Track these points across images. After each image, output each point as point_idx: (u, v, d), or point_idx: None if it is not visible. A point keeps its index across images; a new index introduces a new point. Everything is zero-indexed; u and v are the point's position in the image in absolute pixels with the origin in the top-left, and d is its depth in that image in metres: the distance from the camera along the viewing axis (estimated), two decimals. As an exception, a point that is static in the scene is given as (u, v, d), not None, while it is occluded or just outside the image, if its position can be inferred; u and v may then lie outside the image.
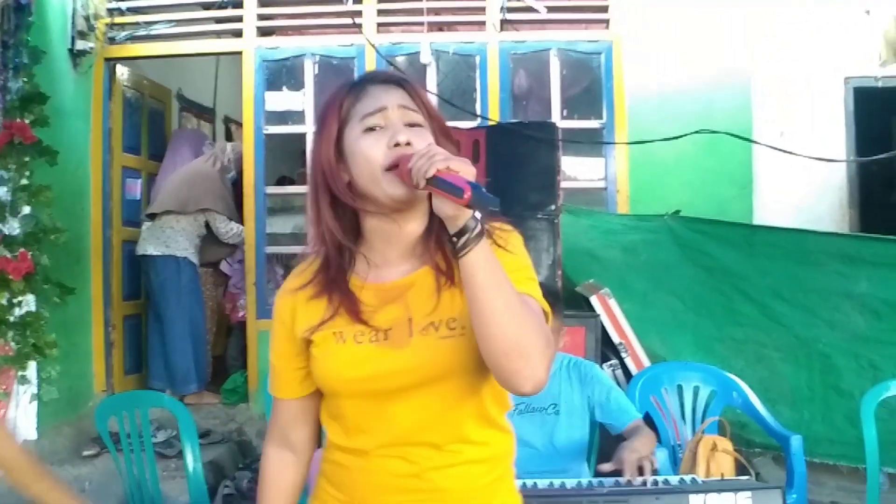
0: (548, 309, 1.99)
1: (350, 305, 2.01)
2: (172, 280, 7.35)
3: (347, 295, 2.02)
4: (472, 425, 2.02)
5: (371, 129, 1.97)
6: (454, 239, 1.84)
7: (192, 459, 4.51)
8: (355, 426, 2.04)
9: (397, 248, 2.03)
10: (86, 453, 6.30)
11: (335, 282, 2.04)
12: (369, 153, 1.94)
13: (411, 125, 1.97)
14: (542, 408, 4.06)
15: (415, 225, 2.02)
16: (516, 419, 3.99)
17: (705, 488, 3.01)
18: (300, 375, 2.13)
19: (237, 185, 7.70)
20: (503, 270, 1.85)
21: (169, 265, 7.34)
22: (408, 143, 1.92)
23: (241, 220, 7.53)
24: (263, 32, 7.51)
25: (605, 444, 4.08)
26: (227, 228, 7.52)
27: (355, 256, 2.07)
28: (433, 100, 7.16)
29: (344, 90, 2.06)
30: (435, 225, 1.99)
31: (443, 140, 2.02)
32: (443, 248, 2.00)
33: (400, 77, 2.07)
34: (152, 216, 7.41)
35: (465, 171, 1.81)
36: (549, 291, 4.00)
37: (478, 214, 1.83)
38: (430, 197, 1.89)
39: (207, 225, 7.53)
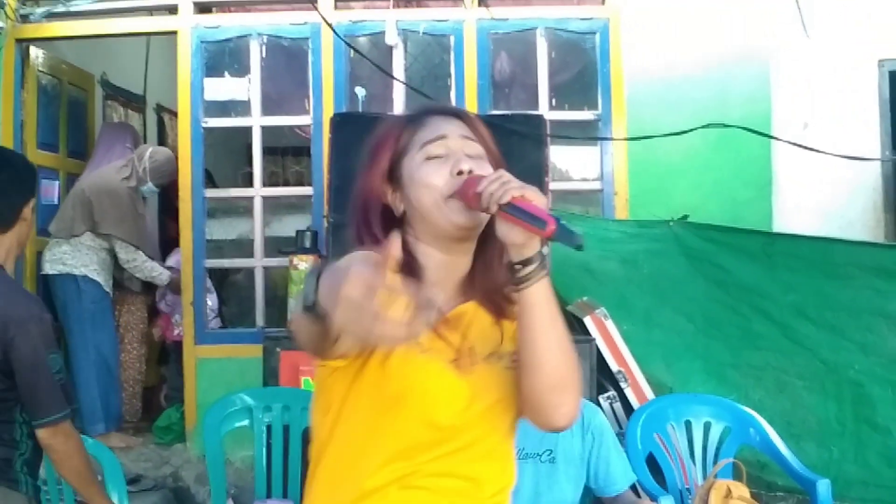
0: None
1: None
2: (73, 303, 7.29)
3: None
4: (505, 461, 2.27)
5: (432, 157, 2.20)
6: (517, 267, 2.05)
7: (118, 510, 4.49)
8: (397, 451, 2.15)
9: (448, 275, 2.25)
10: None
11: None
12: (431, 180, 2.17)
13: (472, 156, 2.20)
14: (536, 454, 4.05)
15: (467, 259, 2.27)
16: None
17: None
18: None
19: (167, 195, 7.66)
20: (557, 304, 2.10)
21: (67, 285, 7.29)
22: (470, 172, 2.14)
23: (168, 234, 7.49)
24: (202, 9, 7.45)
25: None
26: (129, 257, 7.43)
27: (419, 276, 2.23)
28: (397, 92, 7.23)
29: (402, 121, 2.31)
30: (482, 260, 2.26)
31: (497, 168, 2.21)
32: (492, 282, 2.25)
33: (460, 110, 2.38)
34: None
35: (540, 200, 2.02)
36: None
37: (545, 249, 2.04)
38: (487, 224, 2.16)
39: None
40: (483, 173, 2.12)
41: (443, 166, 2.16)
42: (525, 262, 2.03)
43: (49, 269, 7.30)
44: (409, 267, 2.16)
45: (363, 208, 2.26)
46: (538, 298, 2.05)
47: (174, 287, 7.63)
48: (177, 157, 7.47)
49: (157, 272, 7.56)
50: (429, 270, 2.21)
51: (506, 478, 2.29)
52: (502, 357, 2.21)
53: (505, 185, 2.00)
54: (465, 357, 2.17)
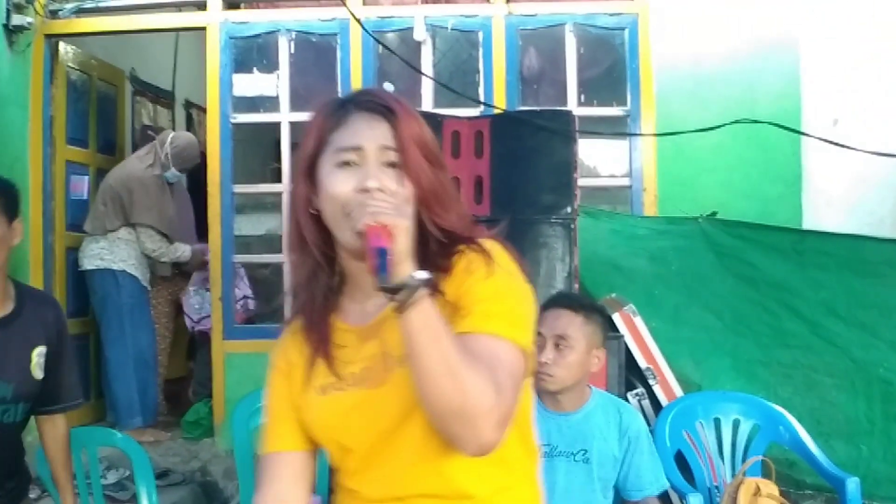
0: (524, 344, 2.02)
1: (325, 352, 2.15)
2: (112, 297, 7.37)
3: (324, 341, 2.16)
4: (472, 470, 2.06)
5: (345, 163, 2.07)
6: (386, 294, 1.89)
7: (147, 504, 4.50)
8: (357, 482, 2.15)
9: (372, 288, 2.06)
10: (24, 497, 6.29)
11: (315, 325, 2.17)
12: (336, 189, 2.05)
13: (391, 164, 2.07)
14: (570, 453, 4.01)
15: None
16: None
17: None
18: (300, 428, 2.22)
19: (196, 183, 7.68)
20: (446, 330, 1.89)
21: (106, 280, 7.37)
22: (379, 190, 2.00)
23: (198, 228, 7.51)
24: (230, 5, 7.48)
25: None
26: (154, 246, 7.49)
27: (340, 292, 2.21)
28: (428, 95, 7.22)
29: (325, 110, 2.16)
30: (423, 253, 2.05)
31: (431, 176, 2.10)
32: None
33: (388, 104, 2.11)
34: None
35: (398, 226, 1.88)
36: (594, 308, 4.01)
37: (419, 273, 1.89)
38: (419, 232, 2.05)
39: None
40: (391, 188, 2.02)
41: (351, 177, 2.04)
42: (393, 290, 1.87)
43: (87, 264, 7.37)
44: (329, 276, 2.18)
45: (292, 211, 2.18)
46: (414, 326, 1.87)
47: (196, 262, 7.74)
48: (205, 153, 7.49)
49: (180, 251, 7.65)
50: (352, 277, 2.18)
51: (506, 476, 2.14)
52: None
53: (362, 209, 1.93)
54: (377, 367, 2.07)
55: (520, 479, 2.18)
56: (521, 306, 2.08)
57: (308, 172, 2.13)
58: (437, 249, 2.10)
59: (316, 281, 2.17)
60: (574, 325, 3.90)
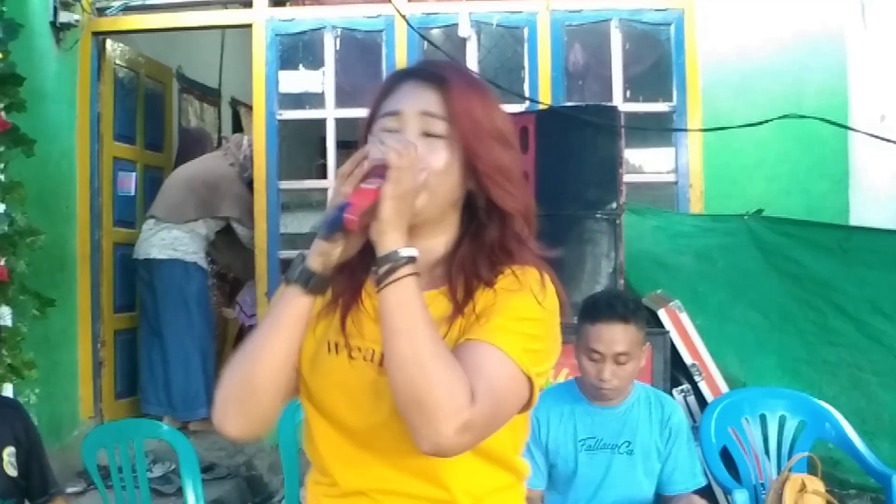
0: (530, 372, 1.93)
1: (346, 307, 2.06)
2: (179, 288, 7.42)
3: (348, 296, 2.07)
4: (461, 471, 2.00)
5: (385, 130, 2.01)
6: (374, 267, 1.88)
7: (193, 497, 4.52)
8: (334, 462, 2.06)
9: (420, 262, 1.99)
10: (70, 490, 6.31)
11: (350, 275, 2.06)
12: (372, 154, 1.94)
13: (428, 135, 1.99)
14: (614, 445, 4.00)
15: (432, 244, 2.05)
16: (582, 455, 4.00)
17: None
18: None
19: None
20: (427, 315, 1.85)
21: (176, 271, 7.42)
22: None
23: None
24: (276, 2, 7.51)
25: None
26: (251, 234, 7.56)
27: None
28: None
29: (382, 83, 2.11)
30: (473, 251, 2.03)
31: (490, 151, 2.01)
32: (466, 273, 2.02)
33: (445, 73, 2.05)
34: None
35: (396, 183, 1.85)
36: (625, 303, 3.99)
37: (407, 251, 1.85)
38: (462, 213, 2.05)
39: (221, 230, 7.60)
40: (430, 157, 1.95)
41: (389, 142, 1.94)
42: (380, 261, 1.85)
43: (157, 253, 7.41)
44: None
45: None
46: (390, 304, 1.83)
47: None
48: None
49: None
50: None
51: (495, 479, 2.08)
52: None
53: (343, 180, 1.91)
54: None
55: (507, 485, 2.11)
56: (542, 340, 1.98)
57: (364, 141, 2.05)
58: (488, 256, 2.02)
59: (363, 258, 2.04)
60: (631, 339, 3.86)
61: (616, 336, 3.86)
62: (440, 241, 2.06)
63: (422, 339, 1.82)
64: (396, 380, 1.81)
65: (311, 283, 1.92)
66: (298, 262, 1.94)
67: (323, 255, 1.91)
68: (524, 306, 1.96)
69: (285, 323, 1.94)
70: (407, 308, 1.83)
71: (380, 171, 1.86)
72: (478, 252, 2.02)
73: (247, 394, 1.98)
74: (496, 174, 2.00)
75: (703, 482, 4.08)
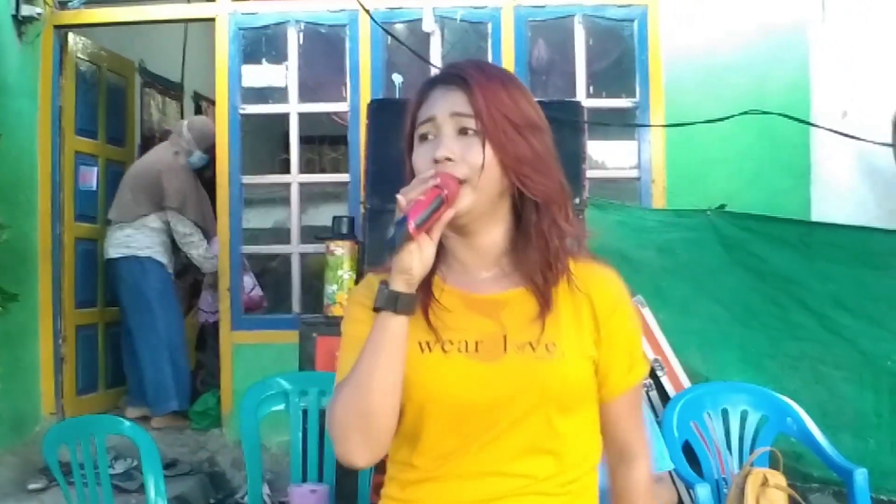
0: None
1: (426, 307, 2.15)
2: (137, 285, 7.45)
3: (427, 295, 2.16)
4: (552, 460, 2.14)
5: (424, 137, 2.15)
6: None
7: (155, 494, 4.48)
8: (434, 450, 2.13)
9: (476, 256, 2.21)
10: (31, 486, 6.29)
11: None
12: (418, 164, 2.13)
13: (463, 131, 2.11)
14: None
15: (489, 237, 2.19)
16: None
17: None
18: None
19: (208, 170, 7.69)
20: (402, 355, 2.05)
21: (133, 267, 7.44)
22: (447, 159, 2.07)
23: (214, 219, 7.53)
24: (239, -5, 7.47)
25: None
26: (185, 230, 7.53)
27: (441, 252, 2.17)
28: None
29: (417, 90, 2.22)
30: (526, 240, 2.17)
31: (518, 140, 2.12)
32: (543, 271, 2.15)
33: (465, 73, 2.16)
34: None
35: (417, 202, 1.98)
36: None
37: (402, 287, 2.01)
38: (513, 207, 2.18)
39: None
40: (468, 154, 2.07)
41: (429, 150, 2.11)
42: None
43: (113, 252, 7.47)
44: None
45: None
46: (389, 332, 2.02)
47: (206, 267, 7.71)
48: (214, 145, 7.50)
49: (208, 256, 7.62)
50: (455, 246, 2.21)
51: (571, 472, 2.16)
52: (536, 347, 2.09)
53: (404, 196, 2.00)
54: (493, 343, 2.11)
55: (583, 473, 2.21)
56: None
57: (409, 153, 2.19)
58: (542, 248, 2.15)
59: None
60: None
61: None
62: (498, 232, 2.19)
63: (395, 372, 2.04)
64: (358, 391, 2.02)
65: (400, 303, 2.01)
66: (383, 289, 2.02)
67: (404, 273, 2.00)
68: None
69: (386, 347, 2.02)
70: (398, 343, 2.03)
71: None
72: (529, 243, 2.16)
73: (367, 423, 2.04)
74: (519, 165, 2.11)
75: (670, 465, 4.08)
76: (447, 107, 2.12)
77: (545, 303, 2.13)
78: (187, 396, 7.57)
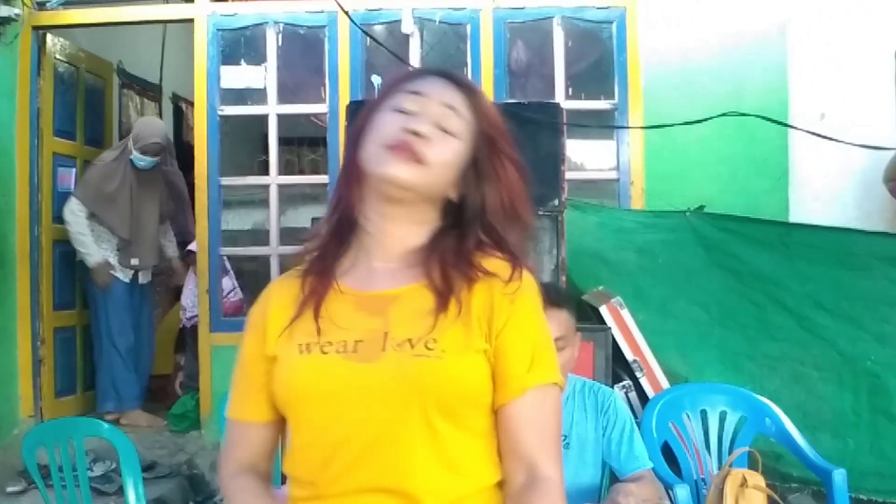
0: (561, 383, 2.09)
1: (317, 307, 2.06)
2: (87, 289, 7.61)
3: (319, 296, 2.08)
4: (432, 472, 1.96)
5: (401, 109, 2.03)
6: None
7: (134, 497, 4.47)
8: (313, 460, 2.01)
9: (383, 251, 2.09)
10: (10, 489, 6.28)
11: (318, 276, 2.11)
12: (383, 126, 2.01)
13: (444, 130, 2.02)
14: None
15: (408, 231, 2.09)
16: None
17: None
18: (268, 395, 2.12)
19: (188, 170, 7.66)
20: None
21: (84, 274, 7.54)
22: (421, 137, 1.99)
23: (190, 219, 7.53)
24: (218, -4, 7.46)
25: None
26: (69, 218, 7.39)
27: (349, 250, 2.13)
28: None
29: (414, 70, 2.23)
30: (443, 240, 2.09)
31: (495, 160, 2.09)
32: (445, 265, 2.04)
33: (470, 83, 2.12)
34: None
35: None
36: (557, 291, 3.95)
37: None
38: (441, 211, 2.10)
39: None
40: (440, 147, 2.00)
41: (402, 120, 2.00)
42: None
43: (77, 258, 7.53)
44: (340, 233, 2.13)
45: (344, 170, 2.15)
46: None
47: (100, 276, 7.46)
48: (193, 146, 7.47)
49: (85, 249, 7.42)
50: (367, 236, 2.10)
51: (462, 486, 1.98)
52: (415, 345, 1.96)
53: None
54: (373, 342, 1.98)
55: (477, 491, 2.02)
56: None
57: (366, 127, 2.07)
58: (467, 254, 2.07)
59: (335, 238, 2.13)
60: (565, 324, 3.83)
61: (552, 323, 3.86)
62: (417, 231, 2.10)
63: None
64: None
65: None
66: None
67: None
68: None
69: None
70: None
71: None
72: (443, 241, 2.07)
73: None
74: (500, 182, 2.08)
75: (650, 464, 4.07)
76: (442, 95, 2.05)
77: (441, 300, 2.00)
78: (133, 399, 7.58)
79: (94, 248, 7.39)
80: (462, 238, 2.07)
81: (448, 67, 2.24)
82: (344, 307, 2.05)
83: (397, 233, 2.08)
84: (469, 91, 2.08)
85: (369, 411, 1.94)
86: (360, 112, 2.14)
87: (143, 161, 7.54)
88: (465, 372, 1.96)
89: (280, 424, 2.15)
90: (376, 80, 6.95)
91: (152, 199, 7.73)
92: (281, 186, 7.46)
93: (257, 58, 7.51)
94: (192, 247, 7.82)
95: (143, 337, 7.82)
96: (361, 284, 2.08)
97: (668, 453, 4.80)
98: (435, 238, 2.09)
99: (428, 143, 1.99)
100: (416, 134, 1.98)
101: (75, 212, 7.33)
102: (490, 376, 1.99)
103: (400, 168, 1.97)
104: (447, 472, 1.97)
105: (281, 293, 2.15)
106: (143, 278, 7.77)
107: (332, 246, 2.13)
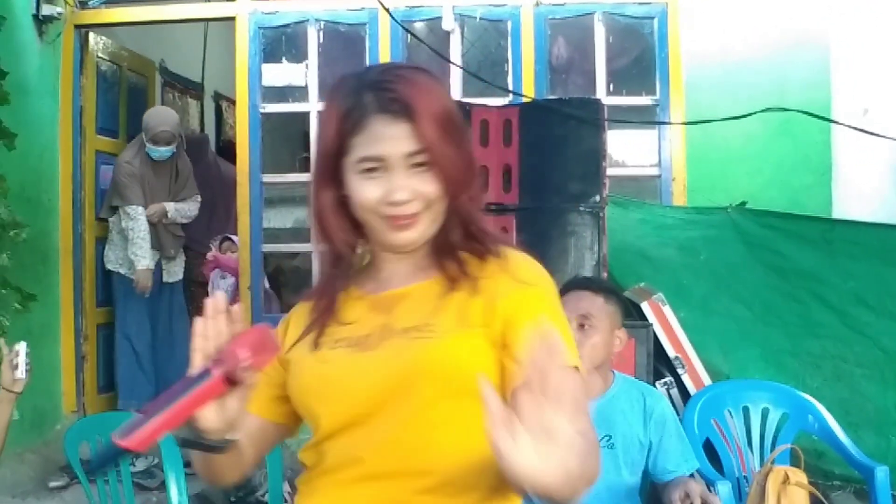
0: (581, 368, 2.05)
1: (327, 310, 2.11)
2: (111, 284, 7.65)
3: (331, 303, 2.12)
4: (447, 454, 1.97)
5: (369, 170, 2.00)
6: None
7: (176, 492, 4.51)
8: (331, 454, 2.06)
9: (403, 266, 2.12)
10: (53, 484, 6.32)
11: (326, 288, 2.14)
12: (364, 199, 2.01)
13: (417, 165, 2.00)
14: None
15: (418, 250, 2.10)
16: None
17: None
18: (275, 394, 2.18)
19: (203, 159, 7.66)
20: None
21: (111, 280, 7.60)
22: (406, 202, 1.98)
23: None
24: (260, -6, 7.48)
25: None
26: (127, 224, 7.35)
27: (362, 270, 2.18)
28: (457, 82, 7.21)
29: (341, 105, 2.03)
30: (448, 233, 2.08)
31: (458, 162, 2.04)
32: (456, 257, 2.07)
33: (406, 101, 1.99)
34: None
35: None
36: (599, 282, 3.97)
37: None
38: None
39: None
40: (426, 189, 1.99)
41: (378, 186, 1.98)
42: None
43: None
44: (339, 263, 2.13)
45: (315, 211, 2.12)
46: None
47: (143, 279, 7.37)
48: (234, 144, 7.49)
49: (142, 252, 7.31)
50: (378, 259, 2.15)
51: (479, 460, 1.90)
52: (409, 330, 1.99)
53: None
54: (375, 334, 2.03)
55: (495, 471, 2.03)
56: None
57: (332, 174, 2.05)
58: (459, 244, 2.09)
59: (338, 267, 2.14)
60: (596, 306, 3.92)
61: (582, 301, 3.91)
62: (423, 247, 2.10)
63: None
64: None
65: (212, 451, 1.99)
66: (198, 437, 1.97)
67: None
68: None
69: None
70: None
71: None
72: (452, 229, 2.08)
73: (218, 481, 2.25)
74: (459, 184, 2.03)
75: (696, 465, 4.07)
76: (398, 146, 1.98)
77: (448, 288, 2.04)
78: (146, 400, 7.58)
79: (150, 254, 7.36)
80: (448, 237, 2.10)
81: (377, 74, 2.13)
82: (358, 311, 2.10)
83: (412, 255, 2.11)
84: (409, 115, 1.98)
85: (371, 395, 1.98)
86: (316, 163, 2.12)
87: (156, 152, 7.44)
88: (456, 348, 1.97)
89: (278, 429, 2.26)
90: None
91: (164, 190, 7.68)
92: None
93: (298, 55, 7.54)
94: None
95: (168, 336, 7.77)
96: (375, 288, 2.13)
97: (710, 450, 4.79)
98: (441, 234, 2.09)
99: (415, 204, 2.00)
100: (396, 204, 1.99)
101: (133, 216, 7.27)
102: (489, 352, 1.97)
103: (403, 236, 2.02)
104: (460, 450, 1.96)
105: (303, 309, 2.18)
106: (169, 276, 7.72)
107: (336, 271, 2.15)
